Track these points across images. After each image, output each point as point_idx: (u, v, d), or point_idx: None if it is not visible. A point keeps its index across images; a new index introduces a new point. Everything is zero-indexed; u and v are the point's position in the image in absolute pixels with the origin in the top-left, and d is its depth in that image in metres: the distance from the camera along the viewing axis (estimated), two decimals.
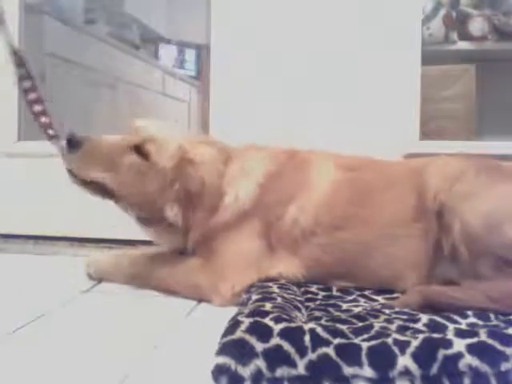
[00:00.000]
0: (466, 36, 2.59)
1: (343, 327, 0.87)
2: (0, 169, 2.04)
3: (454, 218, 1.15)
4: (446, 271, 1.19)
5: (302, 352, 0.79)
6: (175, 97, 4.21)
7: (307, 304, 1.11)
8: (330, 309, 1.07)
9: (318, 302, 1.13)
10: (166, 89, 4.14)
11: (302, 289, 1.24)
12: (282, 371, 0.77)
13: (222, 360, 0.76)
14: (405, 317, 0.98)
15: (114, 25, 3.68)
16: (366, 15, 1.77)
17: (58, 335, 1.05)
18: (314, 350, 0.79)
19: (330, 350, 0.79)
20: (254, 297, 1.08)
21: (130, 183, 1.28)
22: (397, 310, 1.05)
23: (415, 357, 0.77)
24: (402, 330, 0.89)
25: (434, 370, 0.77)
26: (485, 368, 0.76)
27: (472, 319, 0.97)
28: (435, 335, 0.83)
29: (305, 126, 1.79)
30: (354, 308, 1.09)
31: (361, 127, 1.76)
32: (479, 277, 1.10)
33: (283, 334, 0.81)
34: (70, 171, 1.29)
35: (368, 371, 0.77)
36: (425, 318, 0.96)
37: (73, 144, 1.26)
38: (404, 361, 0.77)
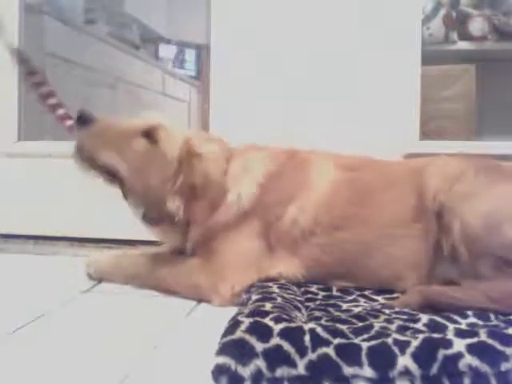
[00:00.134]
0: (466, 36, 2.59)
1: (343, 327, 0.87)
2: (0, 169, 2.05)
3: (454, 219, 1.15)
4: (446, 271, 1.19)
5: (302, 352, 0.79)
6: (175, 97, 4.21)
7: (307, 304, 1.11)
8: (330, 309, 1.07)
9: (318, 302, 1.13)
10: (166, 89, 4.13)
11: (302, 289, 1.24)
12: (282, 371, 0.77)
13: (222, 360, 0.76)
14: (405, 317, 0.98)
15: (114, 25, 3.68)
16: (366, 15, 1.77)
17: (58, 335, 1.05)
18: (314, 350, 0.79)
19: (330, 350, 0.79)
20: (254, 297, 1.08)
21: (136, 168, 1.27)
22: (397, 309, 1.05)
23: (415, 357, 0.77)
24: (402, 329, 0.89)
25: (434, 370, 0.77)
26: (485, 368, 0.76)
27: (472, 319, 0.97)
28: (435, 335, 0.83)
29: (305, 125, 1.79)
30: (353, 308, 1.09)
31: (361, 127, 1.76)
32: (479, 277, 1.10)
33: (283, 334, 0.81)
34: (78, 152, 1.28)
35: (368, 371, 0.77)
36: (425, 317, 0.95)
37: (83, 121, 1.26)
38: (404, 361, 0.77)
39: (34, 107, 2.16)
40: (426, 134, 1.84)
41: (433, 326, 0.91)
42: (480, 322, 0.96)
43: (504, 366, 0.77)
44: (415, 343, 0.79)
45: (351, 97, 1.78)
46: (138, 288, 1.35)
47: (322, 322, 0.93)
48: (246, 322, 0.85)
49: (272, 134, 1.55)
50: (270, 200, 1.29)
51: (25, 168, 2.02)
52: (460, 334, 0.83)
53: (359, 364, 0.77)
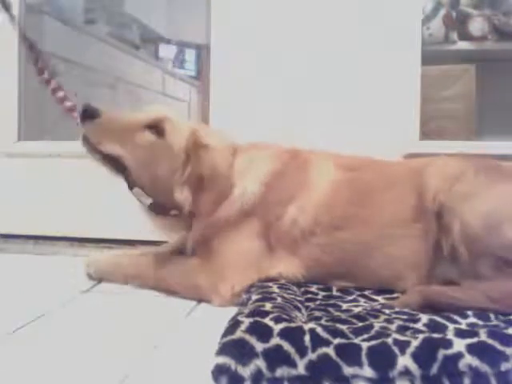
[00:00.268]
0: (466, 36, 2.59)
1: (343, 327, 0.87)
2: (0, 169, 2.05)
3: (454, 219, 1.15)
4: (446, 271, 1.19)
5: (302, 352, 0.79)
6: (175, 97, 4.21)
7: (307, 304, 1.11)
8: (330, 309, 1.07)
9: (318, 302, 1.13)
10: (166, 89, 4.13)
11: (302, 289, 1.24)
12: (282, 371, 0.77)
13: (222, 360, 0.76)
14: (405, 317, 0.98)
15: (114, 25, 3.68)
16: (366, 15, 1.77)
17: (58, 335, 1.05)
18: (314, 350, 0.79)
19: (329, 350, 0.79)
20: (254, 297, 1.08)
21: (143, 161, 1.28)
22: (397, 310, 1.05)
23: (415, 357, 0.77)
24: (401, 329, 0.89)
25: (434, 369, 0.77)
26: (485, 368, 0.76)
27: (472, 319, 0.97)
28: (435, 335, 0.83)
29: (305, 125, 1.79)
30: (354, 308, 1.09)
31: (361, 127, 1.76)
32: (479, 277, 1.10)
33: (283, 333, 0.81)
34: (85, 141, 1.29)
35: (368, 371, 0.77)
36: (425, 317, 0.96)
37: (88, 114, 1.27)
38: (404, 361, 0.77)
39: (33, 107, 2.16)
40: (426, 134, 1.84)
41: (433, 326, 0.91)
42: (480, 322, 0.96)
43: (504, 366, 0.77)
44: (415, 343, 0.79)
45: (351, 97, 1.78)
46: (137, 288, 1.36)
47: (322, 322, 0.93)
48: (246, 321, 0.85)
49: (272, 133, 1.55)
50: (271, 200, 1.30)
51: (25, 168, 2.03)
52: (460, 334, 0.83)
53: (359, 364, 0.77)
